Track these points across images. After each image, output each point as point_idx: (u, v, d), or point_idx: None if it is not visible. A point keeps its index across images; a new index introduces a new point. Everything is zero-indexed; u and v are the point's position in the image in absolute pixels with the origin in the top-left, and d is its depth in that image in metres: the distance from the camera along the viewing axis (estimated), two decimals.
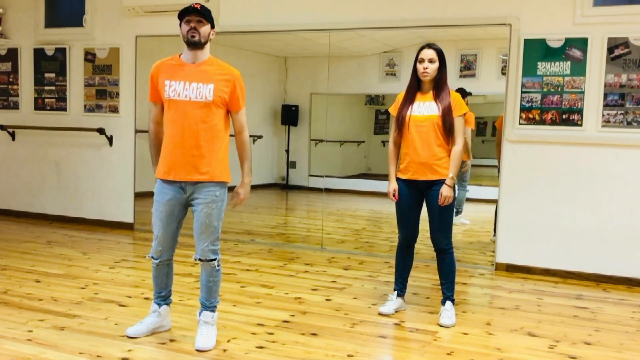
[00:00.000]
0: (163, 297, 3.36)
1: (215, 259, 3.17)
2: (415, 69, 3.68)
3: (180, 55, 3.13)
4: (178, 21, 3.12)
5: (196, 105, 3.03)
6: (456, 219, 5.82)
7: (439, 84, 3.65)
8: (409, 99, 3.69)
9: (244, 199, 3.25)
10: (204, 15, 3.03)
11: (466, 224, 6.24)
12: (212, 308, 3.23)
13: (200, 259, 3.16)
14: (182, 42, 3.11)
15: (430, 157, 3.61)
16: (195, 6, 3.02)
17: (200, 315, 3.23)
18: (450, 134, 3.62)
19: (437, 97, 3.64)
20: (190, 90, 3.03)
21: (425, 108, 3.64)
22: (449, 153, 3.64)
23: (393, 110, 3.78)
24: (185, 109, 3.03)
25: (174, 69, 3.09)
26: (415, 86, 3.70)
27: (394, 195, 3.77)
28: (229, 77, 3.09)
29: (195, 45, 3.04)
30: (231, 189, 3.24)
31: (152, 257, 3.26)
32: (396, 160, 3.82)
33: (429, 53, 3.62)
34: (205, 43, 3.07)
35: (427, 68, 3.61)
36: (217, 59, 3.15)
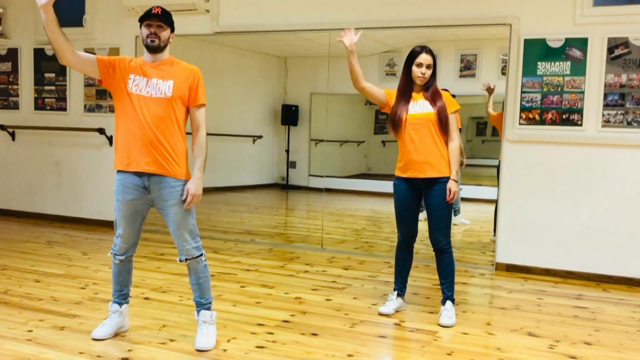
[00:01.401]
0: (124, 295, 3.34)
1: (201, 255, 3.17)
2: (409, 70, 3.69)
3: (142, 57, 3.16)
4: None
5: (156, 101, 3.03)
6: (455, 219, 5.81)
7: (430, 86, 3.70)
8: (404, 99, 3.70)
9: (196, 196, 3.09)
10: (164, 20, 3.06)
11: (466, 223, 6.24)
12: (207, 306, 3.23)
13: (186, 259, 3.16)
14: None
15: (428, 155, 3.62)
16: (156, 11, 3.05)
17: (198, 315, 3.23)
18: (447, 131, 3.64)
19: (429, 96, 3.67)
20: (150, 86, 3.05)
21: (419, 107, 3.66)
22: (446, 150, 3.66)
23: (388, 96, 3.77)
24: (145, 105, 3.03)
25: (138, 67, 3.10)
26: (409, 88, 3.72)
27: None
28: (188, 73, 3.10)
29: (155, 50, 3.07)
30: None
31: (116, 254, 3.26)
32: (363, 77, 3.76)
33: (428, 58, 3.64)
34: (165, 46, 3.10)
35: (425, 74, 3.64)
36: (176, 59, 3.17)
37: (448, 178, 3.63)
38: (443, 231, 3.70)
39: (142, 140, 3.04)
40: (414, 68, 3.66)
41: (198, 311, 3.23)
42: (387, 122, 3.78)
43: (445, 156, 3.65)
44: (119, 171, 3.18)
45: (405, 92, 3.71)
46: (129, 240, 3.23)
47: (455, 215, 5.79)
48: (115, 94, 3.13)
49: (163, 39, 3.06)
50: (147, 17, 3.05)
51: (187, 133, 3.17)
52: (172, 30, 3.12)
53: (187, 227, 3.12)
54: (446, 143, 3.67)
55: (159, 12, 3.05)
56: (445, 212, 3.69)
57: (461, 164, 5.71)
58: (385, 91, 3.79)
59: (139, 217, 3.21)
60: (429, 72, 3.64)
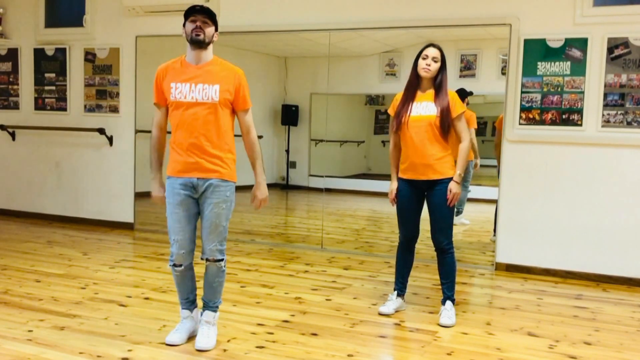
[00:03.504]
0: (191, 301, 3.28)
1: (222, 260, 3.15)
2: (415, 66, 3.69)
3: (184, 57, 3.11)
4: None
5: (203, 106, 3.01)
6: (456, 219, 5.80)
7: (439, 85, 3.66)
8: (409, 98, 3.70)
9: (264, 200, 3.21)
10: (209, 16, 3.03)
11: (466, 224, 6.22)
12: (214, 308, 3.22)
13: (207, 259, 3.13)
14: (182, 42, 3.11)
15: (429, 157, 3.62)
16: (202, 6, 3.03)
17: (202, 315, 3.23)
18: (448, 134, 3.64)
19: (436, 97, 3.65)
20: (196, 91, 3.01)
21: (423, 108, 3.65)
22: (449, 152, 3.66)
23: (392, 110, 3.78)
24: (192, 111, 3.01)
25: (179, 71, 3.07)
26: (415, 83, 3.71)
27: (393, 198, 3.78)
28: (233, 77, 3.07)
29: (199, 44, 3.01)
30: (241, 188, 3.23)
31: (175, 264, 3.15)
32: (397, 162, 3.82)
33: (433, 51, 3.64)
34: (209, 43, 3.06)
35: (429, 65, 3.62)
36: (221, 59, 3.14)
37: (449, 178, 3.63)
38: (444, 232, 3.70)
39: (190, 148, 3.02)
40: (420, 61, 3.65)
41: (202, 310, 3.22)
42: (392, 124, 3.77)
43: (447, 158, 3.65)
44: (169, 176, 3.14)
45: (411, 91, 3.70)
46: (185, 245, 3.12)
47: (457, 215, 5.78)
48: (169, 107, 3.12)
49: (208, 34, 3.02)
50: (192, 12, 3.02)
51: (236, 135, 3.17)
52: (217, 29, 3.09)
53: (219, 229, 3.10)
54: (450, 145, 3.66)
55: (204, 8, 3.02)
56: (446, 213, 3.68)
57: (475, 166, 5.69)
58: (393, 99, 3.80)
59: (192, 220, 3.14)
60: (434, 65, 3.62)
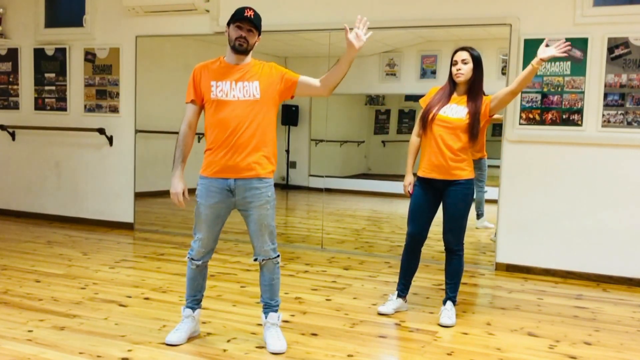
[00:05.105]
0: (197, 300, 3.28)
1: (277, 256, 3.17)
2: (451, 74, 3.68)
3: (223, 58, 3.11)
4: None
5: (244, 104, 3.00)
6: (479, 223, 5.74)
7: (473, 87, 3.62)
8: (442, 99, 3.67)
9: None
10: (256, 25, 3.02)
11: (490, 227, 6.05)
12: (276, 308, 3.21)
13: (263, 260, 3.14)
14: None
15: (448, 160, 3.59)
16: (249, 14, 2.99)
17: (266, 317, 3.20)
18: (475, 139, 3.60)
19: (468, 101, 3.62)
20: (237, 89, 3.01)
21: (452, 110, 3.62)
22: (468, 156, 3.64)
23: (423, 102, 3.77)
24: (233, 109, 3.00)
25: (219, 70, 3.06)
26: (451, 88, 3.69)
27: (409, 190, 3.76)
28: (269, 69, 3.08)
29: (241, 53, 3.04)
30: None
31: (193, 258, 3.18)
32: (416, 154, 3.81)
33: (461, 55, 3.61)
34: (250, 50, 3.07)
35: (460, 69, 3.60)
36: (258, 60, 3.14)
37: (466, 180, 3.63)
38: (454, 232, 3.69)
39: (230, 147, 3.00)
40: (451, 68, 3.65)
41: (266, 313, 3.20)
42: (419, 118, 3.75)
43: (466, 161, 3.63)
44: (203, 176, 3.12)
45: (446, 92, 3.69)
46: (207, 244, 3.17)
47: (478, 218, 5.70)
48: (208, 106, 3.10)
49: (251, 43, 3.03)
50: (240, 19, 3.00)
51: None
52: (259, 34, 3.08)
53: (269, 229, 3.11)
54: (470, 148, 3.65)
55: (252, 16, 2.99)
56: (458, 214, 3.67)
57: (484, 165, 5.54)
58: (429, 91, 3.79)
59: (219, 222, 3.15)
60: (465, 68, 3.59)
